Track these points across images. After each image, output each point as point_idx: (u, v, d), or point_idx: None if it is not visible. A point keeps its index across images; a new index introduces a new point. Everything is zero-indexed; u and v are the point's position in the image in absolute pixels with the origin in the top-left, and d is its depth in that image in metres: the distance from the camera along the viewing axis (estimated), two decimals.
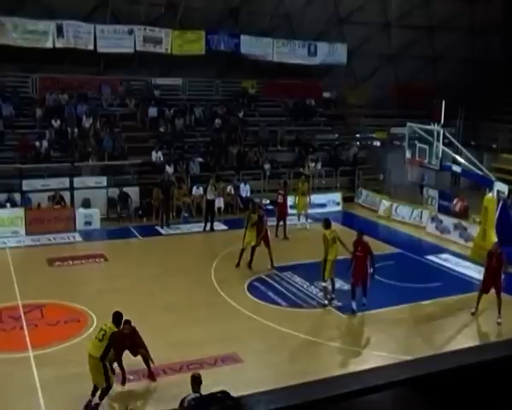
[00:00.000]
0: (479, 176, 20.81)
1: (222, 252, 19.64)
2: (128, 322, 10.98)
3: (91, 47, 27.71)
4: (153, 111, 29.04)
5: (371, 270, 14.76)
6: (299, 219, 23.71)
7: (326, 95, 34.38)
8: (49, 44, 26.90)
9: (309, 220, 23.50)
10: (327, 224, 15.62)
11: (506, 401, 2.22)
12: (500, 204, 19.51)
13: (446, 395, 2.04)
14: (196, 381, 8.67)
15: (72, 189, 23.70)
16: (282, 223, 22.01)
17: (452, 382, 2.05)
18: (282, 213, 22.15)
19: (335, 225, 24.09)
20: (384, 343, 13.21)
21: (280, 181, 24.74)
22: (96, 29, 27.74)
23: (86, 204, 23.32)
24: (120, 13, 28.76)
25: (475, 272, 18.24)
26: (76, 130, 26.55)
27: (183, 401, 8.17)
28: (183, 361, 11.83)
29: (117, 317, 10.61)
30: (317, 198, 26.00)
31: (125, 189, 24.22)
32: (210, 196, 23.24)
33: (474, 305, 14.85)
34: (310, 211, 24.03)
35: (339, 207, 27.41)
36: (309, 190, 24.34)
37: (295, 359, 12.33)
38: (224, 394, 8.33)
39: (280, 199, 22.59)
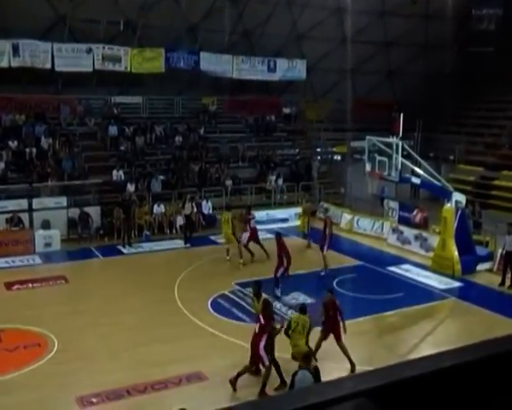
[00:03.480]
0: (437, 187, 21.15)
1: (185, 270, 19.51)
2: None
3: (49, 66, 27.41)
4: (113, 130, 28.76)
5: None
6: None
7: (286, 110, 34.62)
8: (4, 64, 26.45)
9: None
10: None
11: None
12: (458, 214, 19.89)
13: (404, 405, 2.04)
14: (307, 358, 9.62)
15: (30, 210, 23.19)
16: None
17: (410, 391, 2.05)
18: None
19: (297, 240, 24.33)
20: None
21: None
22: (54, 48, 27.42)
23: (46, 225, 22.88)
24: (78, 31, 28.54)
25: (436, 282, 18.63)
26: (34, 150, 26.11)
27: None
28: (148, 382, 11.66)
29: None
30: (278, 213, 26.54)
31: (86, 209, 23.83)
32: (187, 211, 23.68)
33: (435, 314, 15.03)
34: (273, 226, 24.41)
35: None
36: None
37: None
38: None
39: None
